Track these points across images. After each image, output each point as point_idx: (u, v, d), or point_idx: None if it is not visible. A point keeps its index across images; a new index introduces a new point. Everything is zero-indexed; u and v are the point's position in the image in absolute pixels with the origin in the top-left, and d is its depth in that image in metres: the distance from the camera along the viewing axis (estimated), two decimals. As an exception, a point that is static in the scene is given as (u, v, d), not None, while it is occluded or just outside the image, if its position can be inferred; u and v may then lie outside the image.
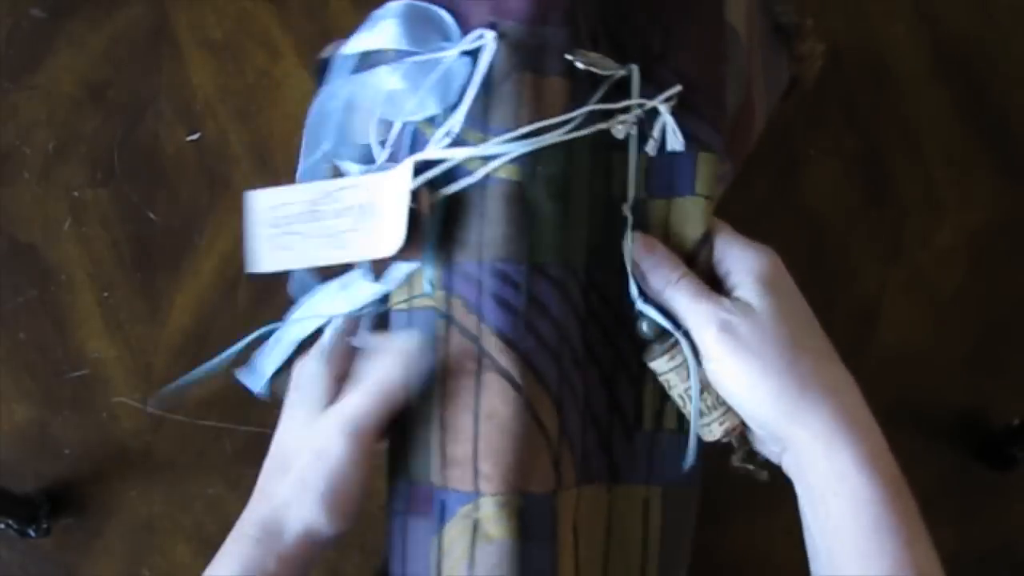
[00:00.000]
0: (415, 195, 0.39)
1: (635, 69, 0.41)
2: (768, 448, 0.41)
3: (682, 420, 0.42)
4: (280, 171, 0.62)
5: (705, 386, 0.40)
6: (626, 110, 0.41)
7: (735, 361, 0.38)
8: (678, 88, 0.41)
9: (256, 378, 0.46)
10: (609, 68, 0.41)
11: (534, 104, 0.40)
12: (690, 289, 0.40)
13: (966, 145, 0.65)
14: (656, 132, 0.41)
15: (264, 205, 0.41)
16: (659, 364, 0.41)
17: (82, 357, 0.62)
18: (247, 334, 0.62)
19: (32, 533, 0.60)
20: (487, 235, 0.40)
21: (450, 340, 0.40)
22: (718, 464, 0.43)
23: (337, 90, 0.43)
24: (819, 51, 0.52)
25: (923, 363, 0.64)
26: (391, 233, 0.40)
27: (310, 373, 0.41)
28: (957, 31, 0.65)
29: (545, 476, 0.40)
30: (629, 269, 0.42)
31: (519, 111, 0.40)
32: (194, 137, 0.63)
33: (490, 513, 0.40)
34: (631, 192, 0.42)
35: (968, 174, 0.65)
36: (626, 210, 0.42)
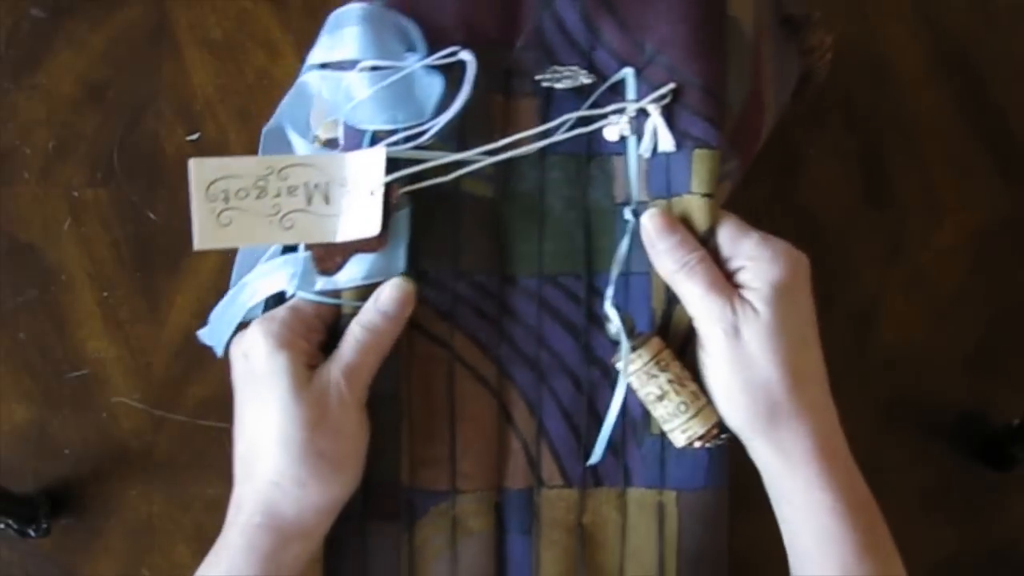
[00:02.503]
0: (385, 186, 0.39)
1: (630, 72, 0.41)
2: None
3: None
4: (280, 171, 0.62)
5: (665, 393, 0.40)
6: (609, 115, 0.42)
7: (725, 365, 0.39)
8: (670, 87, 0.41)
9: (216, 339, 0.46)
10: (580, 80, 0.41)
11: (504, 124, 0.42)
12: (705, 278, 0.39)
13: (966, 145, 0.65)
14: (648, 133, 0.41)
15: (207, 175, 0.38)
16: (621, 367, 0.41)
17: (82, 357, 0.62)
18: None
19: (32, 533, 0.60)
20: (463, 248, 0.41)
21: (414, 345, 0.41)
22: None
23: (311, 80, 0.43)
24: (828, 43, 0.51)
25: (923, 363, 0.64)
26: (362, 218, 0.39)
27: (271, 350, 0.38)
28: (957, 31, 0.65)
29: (522, 475, 0.42)
30: (614, 267, 0.42)
31: (492, 132, 0.41)
32: (194, 137, 0.63)
33: (471, 509, 0.42)
34: (634, 194, 0.42)
35: (968, 174, 0.65)
36: (628, 213, 0.42)
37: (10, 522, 0.59)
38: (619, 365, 0.41)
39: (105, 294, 0.62)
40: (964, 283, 0.65)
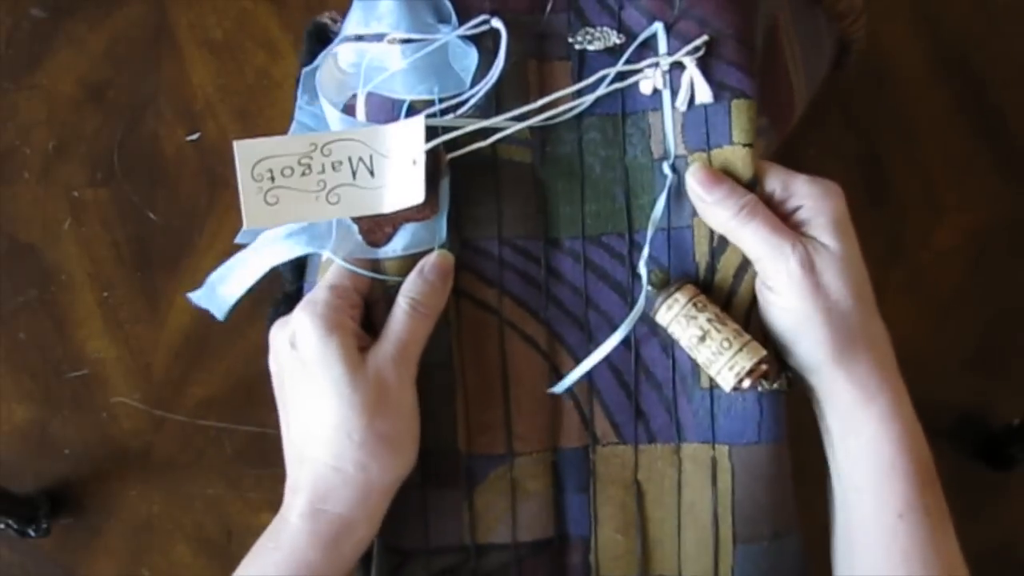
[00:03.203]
0: (431, 154, 0.39)
1: (660, 27, 0.41)
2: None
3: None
4: (280, 171, 0.62)
5: (707, 332, 0.40)
6: (644, 69, 0.42)
7: (802, 299, 0.38)
8: (704, 39, 0.41)
9: (217, 304, 0.44)
10: (611, 40, 0.41)
11: (540, 89, 0.42)
12: (767, 218, 0.39)
13: (966, 145, 0.65)
14: (684, 86, 0.41)
15: (252, 156, 0.38)
16: (660, 317, 0.41)
17: (82, 357, 0.62)
18: (247, 334, 0.62)
19: (32, 533, 0.60)
20: (505, 214, 0.42)
21: (463, 313, 0.42)
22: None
23: (340, 52, 0.43)
24: (858, 5, 0.50)
25: (923, 363, 0.64)
26: (406, 187, 0.39)
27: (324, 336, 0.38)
28: (957, 31, 0.65)
29: (576, 433, 0.43)
30: (650, 225, 0.42)
31: (528, 98, 0.42)
32: (194, 137, 0.63)
33: (529, 470, 0.42)
34: (671, 149, 0.42)
35: (968, 174, 0.65)
36: (666, 168, 0.42)
37: (10, 522, 0.59)
38: (657, 318, 0.41)
39: (105, 294, 0.62)
40: (964, 283, 0.65)
